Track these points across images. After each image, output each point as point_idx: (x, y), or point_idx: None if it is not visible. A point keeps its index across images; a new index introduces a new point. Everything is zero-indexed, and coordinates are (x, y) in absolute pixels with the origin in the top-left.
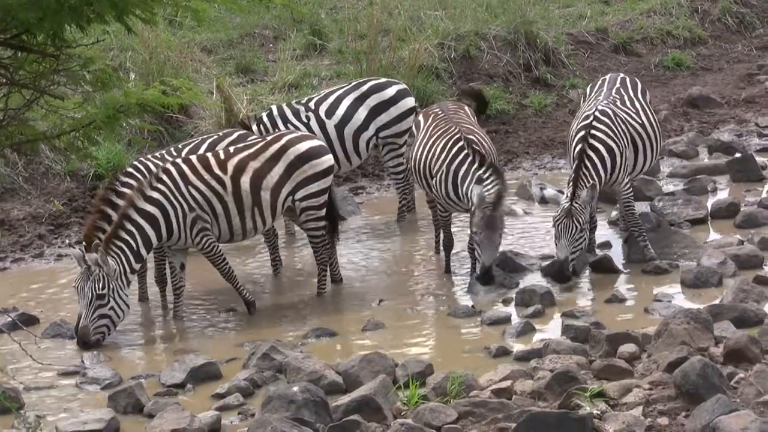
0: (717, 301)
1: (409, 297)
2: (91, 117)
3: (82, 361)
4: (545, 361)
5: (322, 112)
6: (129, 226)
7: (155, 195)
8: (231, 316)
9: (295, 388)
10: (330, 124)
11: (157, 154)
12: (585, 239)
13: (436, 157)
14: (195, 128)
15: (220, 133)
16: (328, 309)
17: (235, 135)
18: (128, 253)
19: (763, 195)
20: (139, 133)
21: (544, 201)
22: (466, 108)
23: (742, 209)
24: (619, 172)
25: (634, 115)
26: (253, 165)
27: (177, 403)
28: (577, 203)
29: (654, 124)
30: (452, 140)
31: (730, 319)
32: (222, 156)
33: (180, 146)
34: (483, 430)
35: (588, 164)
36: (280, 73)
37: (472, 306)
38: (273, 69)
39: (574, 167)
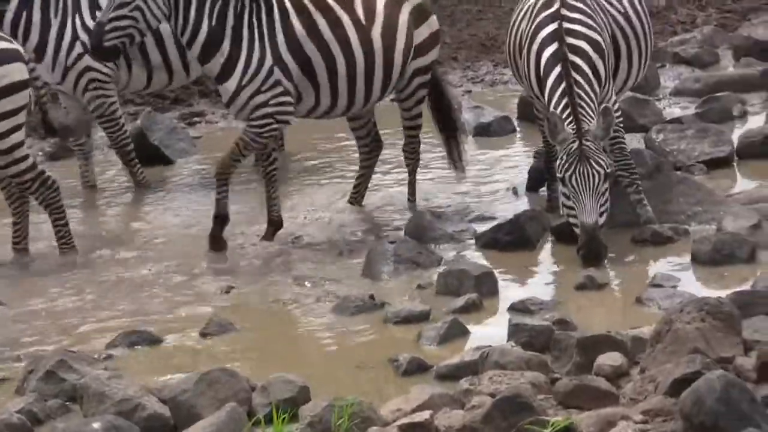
0: (748, 286)
1: (272, 281)
2: None
3: None
4: (483, 380)
5: None
6: None
7: None
8: None
9: (96, 425)
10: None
11: None
12: (608, 191)
13: None
14: None
15: None
16: (146, 300)
17: None
18: None
19: None
20: None
21: (481, 132)
22: None
23: None
24: (607, 84)
25: (613, 1)
26: None
27: None
28: (588, 140)
29: (642, 14)
30: None
31: None
32: None
33: None
34: None
35: (579, 77)
36: None
37: (371, 296)
38: None
39: (560, 87)
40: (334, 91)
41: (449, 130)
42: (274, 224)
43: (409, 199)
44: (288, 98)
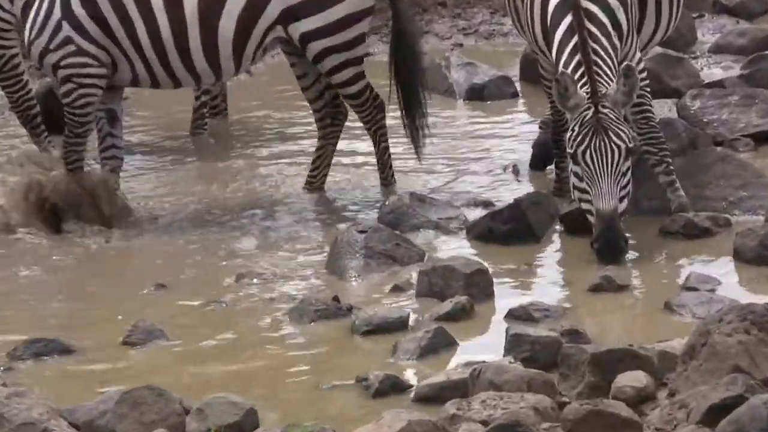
0: None
1: (212, 278)
2: None
3: None
4: (474, 403)
5: None
6: None
7: None
8: None
9: None
10: None
11: None
12: (631, 170)
13: None
14: None
15: None
16: (56, 301)
17: None
18: None
19: None
20: None
21: (475, 95)
22: None
23: None
24: (630, 38)
25: None
26: None
27: None
28: (606, 107)
29: None
30: None
31: None
32: None
33: None
34: None
35: (594, 29)
36: None
37: (335, 298)
38: None
39: (571, 41)
40: (146, 62)
41: (406, 89)
42: None
43: (380, 175)
44: (87, 60)
